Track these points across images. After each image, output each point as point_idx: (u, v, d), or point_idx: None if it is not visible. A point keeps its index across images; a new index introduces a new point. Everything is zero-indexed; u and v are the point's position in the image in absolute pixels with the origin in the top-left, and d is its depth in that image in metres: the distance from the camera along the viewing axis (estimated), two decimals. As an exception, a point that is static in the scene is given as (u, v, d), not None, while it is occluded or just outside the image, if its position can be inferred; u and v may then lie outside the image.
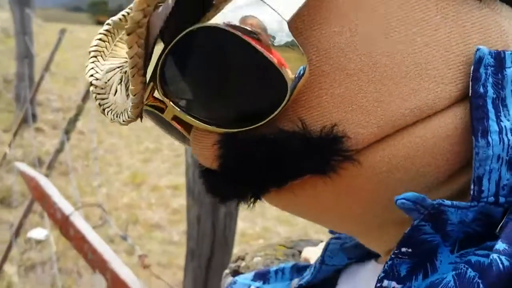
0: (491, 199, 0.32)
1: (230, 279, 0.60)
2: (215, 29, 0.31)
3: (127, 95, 0.37)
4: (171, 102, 0.35)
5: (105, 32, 0.45)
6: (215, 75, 0.33)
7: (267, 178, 0.34)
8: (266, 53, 0.31)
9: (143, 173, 4.96)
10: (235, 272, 0.65)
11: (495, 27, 0.35)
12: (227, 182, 0.35)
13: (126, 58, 0.42)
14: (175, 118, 0.35)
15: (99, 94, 0.41)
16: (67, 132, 2.75)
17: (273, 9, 0.31)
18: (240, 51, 0.32)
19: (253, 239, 3.76)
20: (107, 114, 0.39)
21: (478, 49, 0.33)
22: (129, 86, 0.35)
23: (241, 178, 0.34)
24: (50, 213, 1.75)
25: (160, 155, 5.48)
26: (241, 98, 0.33)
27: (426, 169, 0.33)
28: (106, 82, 0.41)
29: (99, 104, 0.40)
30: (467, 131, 0.33)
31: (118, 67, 0.41)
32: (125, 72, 0.40)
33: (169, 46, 0.33)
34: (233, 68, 0.33)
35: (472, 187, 0.32)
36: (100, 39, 0.44)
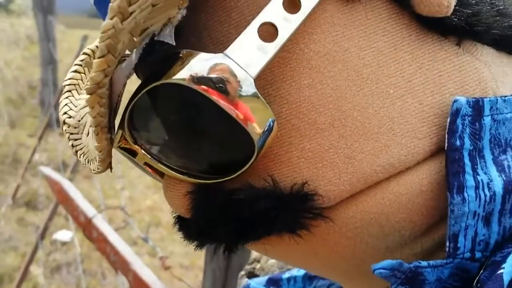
0: (467, 255, 0.31)
1: (245, 280, 0.61)
2: (178, 85, 0.30)
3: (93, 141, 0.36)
4: (142, 150, 0.33)
5: (80, 62, 0.43)
6: (182, 127, 0.33)
7: (239, 233, 0.33)
8: (230, 109, 0.30)
9: (165, 176, 5.00)
10: (251, 274, 0.66)
11: (473, 74, 0.33)
12: (199, 233, 0.35)
13: None
14: (147, 164, 0.34)
15: (72, 134, 0.39)
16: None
17: (239, 65, 0.30)
18: (205, 106, 0.31)
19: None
20: (80, 156, 0.38)
21: (455, 100, 0.31)
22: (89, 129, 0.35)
23: (213, 230, 0.34)
24: (73, 216, 1.79)
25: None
26: (210, 150, 0.33)
27: (401, 224, 0.33)
28: (79, 121, 0.39)
29: (71, 145, 0.39)
30: (442, 186, 0.32)
31: None
32: None
33: (135, 99, 0.32)
34: (200, 122, 0.32)
35: (447, 244, 0.31)
36: (75, 71, 0.43)
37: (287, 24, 0.30)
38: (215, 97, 0.29)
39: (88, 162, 0.37)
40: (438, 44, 0.33)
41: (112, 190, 4.35)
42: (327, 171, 0.31)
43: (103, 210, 1.71)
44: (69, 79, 0.42)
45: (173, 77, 0.30)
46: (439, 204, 0.33)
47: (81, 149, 0.38)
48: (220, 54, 0.30)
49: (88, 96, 0.29)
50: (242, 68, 0.30)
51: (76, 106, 0.41)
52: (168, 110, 0.33)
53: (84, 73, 0.43)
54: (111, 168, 0.36)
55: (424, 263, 0.31)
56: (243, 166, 0.31)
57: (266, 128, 0.30)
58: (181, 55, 0.31)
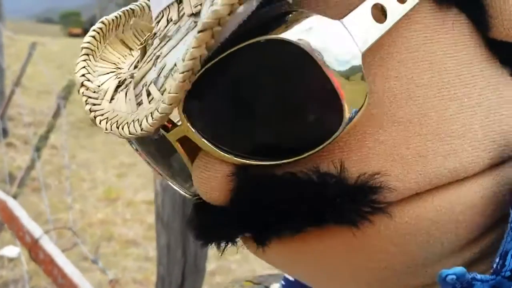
0: (508, 273, 0.31)
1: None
2: (286, 43, 0.29)
3: (138, 103, 0.33)
4: (187, 121, 0.31)
5: (98, 30, 0.41)
6: (264, 95, 0.31)
7: (285, 220, 0.31)
8: (336, 84, 0.29)
9: (118, 188, 4.90)
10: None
11: None
12: (232, 220, 0.32)
13: (116, 64, 0.39)
14: (181, 140, 0.32)
15: (90, 98, 0.36)
16: (38, 149, 2.70)
17: (352, 37, 0.30)
18: (308, 74, 0.29)
19: (231, 254, 3.73)
20: (99, 122, 0.34)
21: None
22: (141, 92, 0.32)
23: (254, 216, 0.32)
24: (19, 236, 1.72)
25: (135, 169, 5.42)
26: (285, 125, 0.31)
27: (446, 236, 0.32)
28: (99, 86, 0.37)
29: (89, 109, 0.35)
30: (490, 202, 0.33)
31: (112, 72, 0.38)
32: (125, 79, 0.36)
33: (226, 53, 0.29)
34: (289, 91, 0.30)
35: (497, 260, 0.31)
36: (93, 37, 0.40)
37: (395, 12, 0.31)
38: (323, 67, 0.29)
39: (118, 127, 0.33)
40: (500, 69, 0.35)
41: (62, 203, 4.22)
42: (396, 167, 0.31)
43: (50, 230, 1.64)
44: (87, 43, 0.40)
45: (280, 35, 0.29)
46: (483, 220, 0.33)
47: (102, 114, 0.35)
48: (337, 22, 0.30)
49: (200, 32, 0.26)
50: (354, 41, 0.29)
51: (94, 71, 0.38)
52: (255, 73, 0.31)
53: (100, 42, 0.41)
54: (157, 133, 0.32)
55: (478, 276, 0.30)
56: (315, 148, 0.30)
57: (354, 111, 0.29)
58: (296, 14, 0.30)
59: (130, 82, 0.35)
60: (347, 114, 0.29)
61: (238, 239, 0.34)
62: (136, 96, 0.33)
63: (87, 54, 0.39)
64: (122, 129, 0.32)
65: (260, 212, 0.31)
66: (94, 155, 5.81)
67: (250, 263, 3.61)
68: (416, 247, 0.32)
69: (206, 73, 0.30)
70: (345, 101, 0.29)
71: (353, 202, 0.30)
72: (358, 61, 0.29)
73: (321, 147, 0.30)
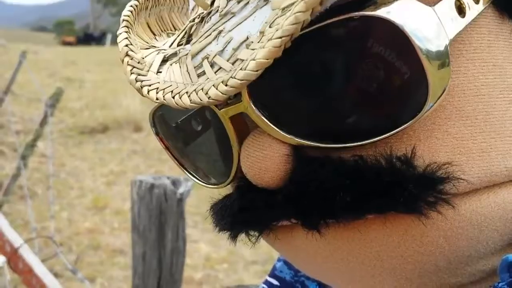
0: None
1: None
2: (380, 21, 0.28)
3: (199, 74, 0.32)
4: (250, 98, 0.30)
5: (134, 5, 0.39)
6: (340, 70, 0.30)
7: (348, 207, 0.30)
8: (427, 69, 0.28)
9: (106, 197, 4.87)
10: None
11: None
12: (288, 201, 0.31)
13: (148, 43, 0.38)
14: (233, 118, 0.32)
15: (135, 67, 0.35)
16: (24, 157, 2.68)
17: (442, 24, 0.30)
18: (400, 56, 0.29)
19: (218, 263, 3.72)
20: (148, 92, 0.33)
21: None
22: (201, 63, 0.31)
23: (312, 199, 0.30)
24: (-2, 245, 1.69)
25: (124, 178, 5.39)
26: (359, 108, 0.30)
27: (493, 234, 0.32)
28: (143, 58, 0.36)
29: (135, 79, 0.34)
30: None
31: (151, 47, 0.37)
32: (172, 54, 0.35)
33: (317, 26, 0.29)
34: (375, 72, 0.30)
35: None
36: (130, 11, 0.39)
37: (473, 9, 0.32)
38: (417, 50, 0.28)
39: (174, 97, 0.31)
40: None
41: (49, 211, 4.19)
42: (462, 160, 0.31)
43: (30, 239, 1.63)
44: (126, 16, 0.38)
45: (380, 12, 0.29)
46: None
47: (149, 85, 0.33)
48: (429, 8, 0.30)
49: None
50: (444, 29, 0.30)
51: (136, 44, 0.37)
52: (342, 50, 0.30)
53: (135, 19, 0.40)
54: (229, 100, 0.32)
55: None
56: (386, 132, 0.30)
57: (437, 98, 0.29)
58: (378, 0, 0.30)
59: (185, 55, 0.34)
60: (429, 100, 0.29)
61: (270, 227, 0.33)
62: (195, 67, 0.32)
63: (127, 26, 0.38)
64: (180, 98, 0.31)
65: (324, 195, 0.30)
66: (83, 163, 5.78)
67: (238, 272, 3.59)
68: (465, 243, 0.32)
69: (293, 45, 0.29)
70: (431, 87, 0.29)
71: (421, 190, 0.30)
72: (446, 50, 0.29)
73: (394, 131, 0.30)
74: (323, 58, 0.30)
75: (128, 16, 0.38)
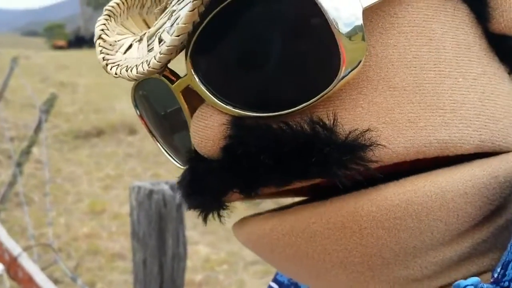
0: (506, 283, 0.31)
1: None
2: None
3: (149, 49, 0.35)
4: (192, 69, 0.33)
5: (123, 1, 0.42)
6: (265, 44, 0.32)
7: (274, 171, 0.31)
8: (337, 39, 0.30)
9: (104, 201, 4.85)
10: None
11: None
12: (222, 172, 0.33)
13: (134, 34, 0.41)
14: (184, 92, 0.34)
15: (105, 48, 0.38)
16: (20, 164, 2.66)
17: None
18: (311, 26, 0.31)
19: (218, 264, 3.71)
20: (110, 69, 0.37)
21: None
22: (153, 39, 0.34)
23: (243, 166, 0.32)
24: (-3, 254, 1.68)
25: (121, 181, 5.38)
26: (282, 77, 0.32)
27: (436, 223, 0.32)
28: (116, 41, 0.39)
29: (102, 58, 0.38)
30: (481, 193, 0.33)
31: (130, 35, 0.40)
32: (141, 36, 0.38)
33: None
34: (290, 41, 0.31)
35: (498, 270, 0.31)
36: (117, 4, 0.42)
37: None
38: (328, 20, 0.30)
39: (127, 70, 0.35)
40: (497, 64, 0.36)
41: (47, 217, 4.16)
42: (387, 129, 0.32)
43: (29, 247, 1.61)
44: (111, 6, 0.42)
45: None
46: (475, 212, 0.33)
47: (113, 62, 0.37)
48: None
49: None
50: None
51: (113, 30, 0.40)
52: (259, 19, 0.32)
53: (123, 12, 0.43)
54: (163, 71, 0.35)
55: (485, 286, 0.30)
56: (304, 102, 0.31)
57: (352, 67, 0.30)
58: None
59: (145, 35, 0.38)
60: (343, 69, 0.30)
61: (226, 205, 0.35)
62: (148, 45, 0.36)
63: (109, 15, 0.41)
64: (131, 71, 0.34)
65: (252, 162, 0.32)
66: (79, 168, 5.76)
67: (238, 273, 3.59)
68: (405, 233, 0.32)
69: (212, 21, 0.32)
70: (344, 57, 0.30)
71: (341, 156, 0.30)
72: (359, 20, 0.30)
73: (314, 99, 0.31)
74: (242, 31, 0.32)
75: (113, 7, 0.41)
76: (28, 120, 6.61)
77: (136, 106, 0.41)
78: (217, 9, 0.31)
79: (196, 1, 0.30)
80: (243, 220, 0.36)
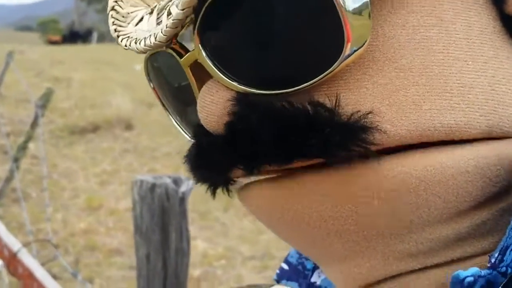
0: (503, 269, 0.30)
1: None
2: None
3: (158, 22, 0.35)
4: (199, 44, 0.33)
5: None
6: (269, 22, 0.32)
7: (275, 149, 0.31)
8: (343, 17, 0.29)
9: (100, 197, 4.84)
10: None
11: None
12: (226, 144, 0.32)
13: (149, 5, 0.41)
14: (193, 66, 0.34)
15: (117, 20, 0.38)
16: (16, 160, 2.64)
17: None
18: (315, 3, 0.30)
19: (216, 259, 3.71)
20: (121, 41, 0.37)
21: None
22: (163, 11, 0.34)
23: (246, 143, 0.32)
24: (-3, 250, 1.67)
25: (117, 177, 5.37)
26: (287, 55, 0.31)
27: (435, 199, 0.32)
28: (128, 13, 0.39)
29: (114, 30, 0.38)
30: (484, 174, 0.32)
31: (145, 8, 0.39)
32: (153, 8, 0.38)
33: None
34: (295, 19, 0.31)
35: (496, 255, 0.30)
36: None
37: None
38: (337, 5, 0.29)
39: (136, 43, 0.35)
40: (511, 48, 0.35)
41: (44, 213, 4.15)
42: (391, 111, 0.31)
43: (28, 244, 1.60)
44: None
45: None
46: (476, 192, 0.32)
47: (124, 34, 0.37)
48: None
49: None
50: None
51: (127, 2, 0.40)
52: (253, 2, 0.32)
53: None
54: (170, 43, 0.35)
55: (483, 272, 0.30)
56: (309, 81, 0.31)
57: (353, 49, 0.30)
58: None
59: (156, 7, 0.37)
60: (347, 48, 0.30)
61: (232, 181, 0.35)
62: (157, 18, 0.35)
63: None
64: (140, 43, 0.34)
65: (253, 139, 0.31)
66: (75, 164, 5.74)
67: (236, 268, 3.59)
68: (401, 206, 0.32)
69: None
70: (349, 34, 0.29)
71: (342, 137, 0.30)
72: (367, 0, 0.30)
73: (317, 78, 0.30)
74: (247, 6, 0.32)
75: None
76: (23, 115, 6.59)
77: (149, 77, 0.41)
78: None
79: None
80: (246, 186, 0.36)
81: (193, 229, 4.09)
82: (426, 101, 0.31)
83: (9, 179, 2.89)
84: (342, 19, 0.29)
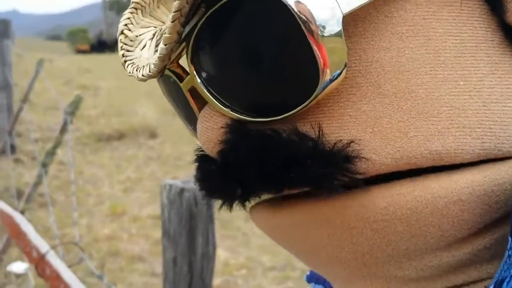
0: None
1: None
2: (279, 3, 0.29)
3: (155, 50, 0.35)
4: (194, 71, 0.33)
5: None
6: (252, 51, 0.32)
7: (262, 180, 0.31)
8: (314, 46, 0.29)
9: (124, 204, 4.90)
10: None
11: None
12: (221, 172, 0.33)
13: (163, 22, 0.41)
14: (192, 90, 0.34)
15: (125, 45, 0.39)
16: (45, 165, 2.71)
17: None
18: (289, 32, 0.30)
19: (236, 269, 3.71)
20: (127, 66, 0.37)
21: None
22: (160, 39, 0.34)
23: (237, 170, 0.32)
24: (25, 252, 1.72)
25: (141, 185, 5.43)
26: (271, 84, 0.31)
27: (429, 229, 0.31)
28: (137, 36, 0.39)
29: (122, 54, 0.38)
30: (481, 201, 0.31)
31: (154, 27, 0.40)
32: (160, 29, 0.38)
33: (218, 4, 0.31)
34: (274, 49, 0.31)
35: (492, 287, 0.30)
36: None
37: None
38: (305, 28, 0.29)
39: (136, 70, 0.36)
40: None
41: (69, 218, 4.22)
42: (375, 139, 0.30)
43: (56, 246, 1.64)
44: None
45: None
46: (474, 219, 0.31)
47: (131, 59, 0.37)
48: None
49: None
50: (337, 3, 0.29)
51: (137, 24, 0.40)
52: (245, 28, 0.31)
53: (153, 1, 0.42)
54: (162, 75, 0.35)
55: None
56: (293, 109, 0.30)
57: (334, 75, 0.29)
58: None
59: (158, 32, 0.37)
60: (327, 74, 0.29)
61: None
62: (156, 45, 0.36)
63: (135, 8, 0.41)
64: (139, 72, 0.35)
65: (242, 170, 0.32)
66: (101, 171, 5.82)
67: (257, 278, 3.59)
68: (395, 236, 0.32)
69: (201, 27, 0.32)
70: (325, 59, 0.29)
71: (325, 167, 0.30)
72: (337, 23, 0.29)
73: (301, 106, 0.30)
74: (227, 37, 0.32)
75: None
76: (51, 122, 6.72)
77: (163, 91, 0.41)
78: (210, 11, 0.31)
79: (175, 13, 0.30)
80: (255, 206, 0.36)
81: (214, 238, 4.12)
82: (411, 127, 0.30)
83: (37, 184, 2.96)
84: (313, 45, 0.29)
